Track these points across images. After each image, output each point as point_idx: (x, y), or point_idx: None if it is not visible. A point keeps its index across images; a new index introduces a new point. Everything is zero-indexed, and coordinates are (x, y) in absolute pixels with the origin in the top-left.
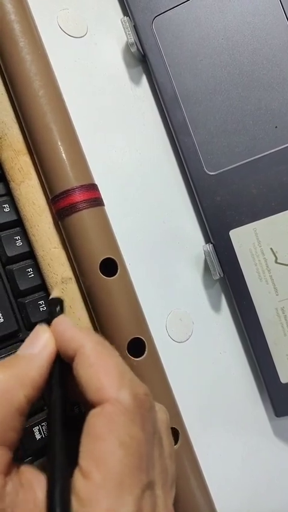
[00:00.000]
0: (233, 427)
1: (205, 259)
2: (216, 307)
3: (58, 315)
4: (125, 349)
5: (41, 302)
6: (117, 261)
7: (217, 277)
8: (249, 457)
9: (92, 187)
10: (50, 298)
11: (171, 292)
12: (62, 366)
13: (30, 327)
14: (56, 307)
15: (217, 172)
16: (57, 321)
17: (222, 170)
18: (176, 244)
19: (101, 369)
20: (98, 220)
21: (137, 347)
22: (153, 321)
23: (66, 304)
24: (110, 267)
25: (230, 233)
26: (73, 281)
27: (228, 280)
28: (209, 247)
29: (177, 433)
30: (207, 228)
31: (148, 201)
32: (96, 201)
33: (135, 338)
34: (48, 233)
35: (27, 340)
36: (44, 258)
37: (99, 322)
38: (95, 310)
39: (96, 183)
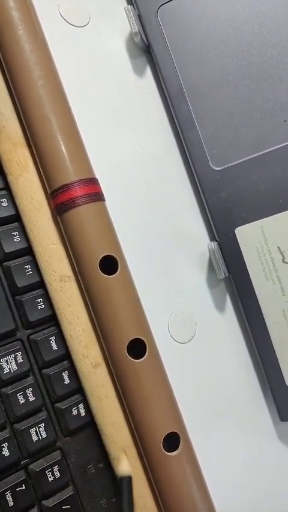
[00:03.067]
0: (236, 431)
1: (209, 257)
2: (220, 308)
3: (127, 496)
4: (124, 350)
5: (39, 300)
6: (117, 259)
7: (222, 276)
8: (252, 461)
9: (93, 181)
10: (119, 477)
11: (173, 292)
12: None
13: (27, 326)
14: (125, 488)
15: (223, 167)
16: None
17: (228, 165)
18: (179, 242)
19: None
20: (98, 216)
21: (138, 348)
22: (154, 321)
23: (64, 303)
24: (110, 264)
25: (235, 231)
26: (72, 279)
27: (234, 279)
28: (214, 245)
29: (177, 437)
30: (212, 226)
31: (151, 198)
32: (97, 196)
33: (135, 339)
34: (46, 229)
35: None
36: (42, 254)
37: (99, 321)
38: (94, 309)
39: (96, 177)
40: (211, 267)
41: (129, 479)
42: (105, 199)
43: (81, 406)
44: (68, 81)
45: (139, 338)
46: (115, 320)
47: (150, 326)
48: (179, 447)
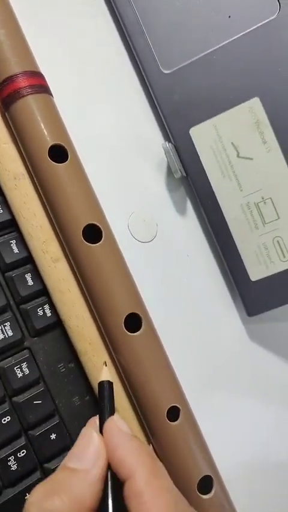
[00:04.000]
0: (205, 332)
1: (167, 162)
2: (181, 210)
3: (108, 401)
4: (80, 236)
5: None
6: (66, 148)
7: (178, 175)
8: (222, 360)
9: (37, 74)
10: (99, 381)
11: (133, 195)
12: (115, 479)
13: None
14: (106, 392)
15: (173, 70)
16: (109, 428)
17: (177, 67)
18: (136, 147)
19: (152, 508)
20: (45, 108)
21: (93, 235)
22: (114, 222)
23: (20, 200)
24: (60, 154)
25: (190, 132)
26: (26, 177)
27: (192, 180)
28: (168, 144)
29: (140, 318)
30: (167, 129)
31: (105, 105)
32: (42, 88)
33: (90, 224)
34: None
35: (76, 448)
36: None
37: (55, 213)
38: (48, 200)
39: (42, 73)
40: (170, 171)
41: (110, 383)
42: (53, 95)
43: (46, 307)
44: None
45: (94, 224)
46: (68, 208)
47: (106, 218)
48: (141, 328)
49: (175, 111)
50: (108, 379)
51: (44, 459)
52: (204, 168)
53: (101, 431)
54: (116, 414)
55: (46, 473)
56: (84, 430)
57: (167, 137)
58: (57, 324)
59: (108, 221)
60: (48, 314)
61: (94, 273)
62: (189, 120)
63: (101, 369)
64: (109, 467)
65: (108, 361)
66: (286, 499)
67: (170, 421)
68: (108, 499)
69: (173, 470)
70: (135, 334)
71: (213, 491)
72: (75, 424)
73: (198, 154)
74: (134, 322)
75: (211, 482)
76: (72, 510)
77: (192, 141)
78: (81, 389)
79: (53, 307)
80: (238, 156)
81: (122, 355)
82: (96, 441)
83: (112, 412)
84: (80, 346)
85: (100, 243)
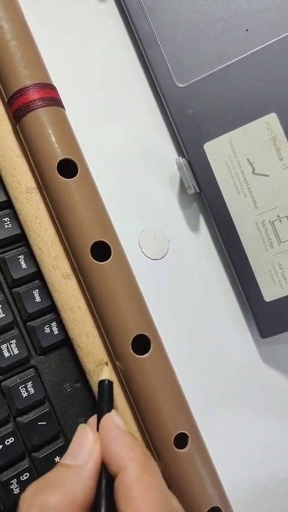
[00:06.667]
0: (216, 352)
1: (180, 177)
2: (193, 226)
3: (107, 400)
4: (88, 253)
5: (5, 219)
6: (77, 163)
7: (192, 191)
8: (234, 382)
9: (49, 86)
10: (100, 380)
11: (144, 210)
12: (109, 475)
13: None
14: (105, 392)
15: (188, 83)
16: (105, 423)
17: (192, 81)
18: (148, 162)
19: (140, 505)
20: (56, 120)
21: (103, 252)
22: (125, 238)
23: (31, 214)
24: (71, 168)
25: (204, 147)
26: (37, 190)
27: (205, 196)
28: (182, 160)
29: (148, 341)
30: (181, 143)
31: (118, 118)
32: (53, 101)
33: (99, 241)
34: (9, 142)
35: (71, 445)
36: (6, 168)
37: (64, 229)
38: (58, 215)
39: (54, 85)
40: (182, 186)
41: (109, 382)
42: (65, 108)
43: (54, 324)
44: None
45: (103, 241)
46: (79, 224)
47: (117, 234)
48: (150, 350)
49: (189, 125)
50: (108, 378)
51: None
52: (218, 184)
53: (98, 429)
54: (113, 411)
55: None
56: (79, 427)
57: (180, 152)
58: (65, 342)
59: (118, 237)
60: (56, 332)
61: (102, 292)
62: (204, 135)
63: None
64: (103, 463)
65: (116, 382)
66: None
67: (178, 448)
68: (101, 495)
69: (180, 498)
70: (143, 356)
71: (110, 258)
72: None
73: (212, 170)
74: (143, 343)
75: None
76: (64, 506)
77: (206, 157)
78: (87, 410)
79: (60, 325)
80: (254, 172)
81: (130, 379)
82: (90, 437)
83: (110, 410)
84: (89, 365)
85: (109, 260)
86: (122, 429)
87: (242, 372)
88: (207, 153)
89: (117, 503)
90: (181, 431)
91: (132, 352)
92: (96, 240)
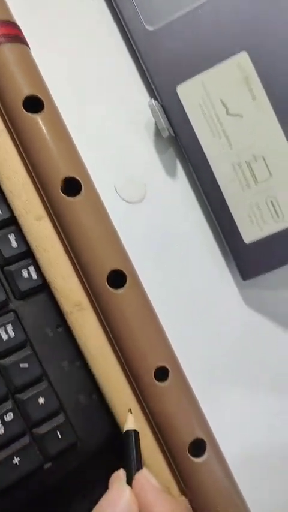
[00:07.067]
0: (198, 296)
1: (155, 123)
2: (170, 171)
3: (135, 452)
4: (59, 190)
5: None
6: (42, 99)
7: (166, 134)
8: (216, 326)
9: (13, 24)
10: (125, 430)
11: (119, 155)
12: None
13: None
14: (132, 442)
15: (157, 26)
16: (140, 481)
17: (162, 24)
18: (122, 109)
19: None
20: (21, 57)
21: (73, 186)
22: (100, 183)
23: (1, 157)
24: (36, 104)
25: (177, 89)
26: (6, 132)
27: (180, 139)
28: (154, 102)
29: (124, 275)
30: (153, 88)
31: (87, 64)
32: (18, 38)
33: (69, 177)
34: None
35: (105, 501)
36: None
37: (34, 167)
38: (28, 156)
39: (18, 25)
40: (158, 132)
41: (136, 433)
42: (30, 48)
43: (32, 269)
44: None
45: (73, 177)
46: (46, 159)
47: (91, 177)
48: (125, 284)
49: (161, 68)
50: (135, 428)
51: (33, 424)
52: (193, 126)
53: (128, 483)
54: (144, 468)
55: (35, 438)
56: (113, 483)
57: (153, 97)
58: (44, 287)
59: (90, 174)
60: (34, 277)
61: (74, 227)
62: (176, 77)
63: (126, 415)
64: None
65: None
66: None
67: (159, 381)
68: None
69: (163, 433)
70: (119, 290)
71: (205, 455)
72: (65, 389)
73: (186, 113)
74: (119, 279)
75: (204, 445)
76: None
77: (179, 100)
78: (70, 354)
79: (39, 270)
80: (227, 113)
81: (108, 314)
82: (127, 493)
83: (139, 463)
84: (67, 307)
85: (79, 196)
86: (159, 490)
87: (225, 316)
88: (180, 96)
89: None
90: (161, 365)
91: (108, 286)
92: (66, 176)
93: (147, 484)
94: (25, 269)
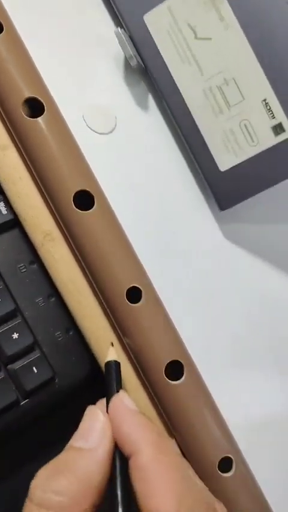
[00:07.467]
0: (176, 232)
1: (125, 57)
2: (142, 102)
3: (115, 381)
4: (21, 112)
5: None
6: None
7: (134, 62)
8: (196, 263)
9: None
10: (106, 361)
11: (88, 87)
12: (123, 457)
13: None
14: (113, 373)
15: None
16: (114, 404)
17: None
18: (90, 41)
19: (157, 488)
20: None
21: (37, 108)
22: (68, 112)
23: None
24: None
25: (144, 18)
26: None
27: (149, 69)
28: (120, 30)
29: (91, 197)
30: (120, 18)
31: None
32: None
33: (30, 97)
34: None
35: (81, 428)
36: None
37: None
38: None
39: None
40: (127, 64)
41: (117, 363)
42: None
43: (1, 204)
44: None
45: (35, 97)
46: (9, 79)
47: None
48: (94, 206)
49: None
50: (115, 359)
51: (8, 359)
52: (162, 55)
53: (108, 410)
54: (122, 391)
55: (10, 373)
56: (88, 409)
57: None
58: (16, 224)
59: (53, 98)
60: (4, 212)
61: (39, 150)
62: (142, 5)
63: (107, 348)
64: (116, 445)
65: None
66: None
67: (131, 302)
68: (116, 478)
69: (139, 355)
70: (87, 212)
71: (183, 378)
72: (40, 325)
73: (154, 42)
74: (86, 202)
75: (181, 369)
76: (80, 490)
77: (147, 28)
78: (45, 290)
79: (8, 205)
80: (196, 37)
81: (74, 235)
82: (101, 419)
83: (119, 391)
84: (37, 239)
85: (42, 116)
86: (133, 409)
87: (204, 252)
88: (147, 25)
89: (133, 486)
90: (133, 285)
91: (75, 207)
92: (28, 96)
93: (121, 405)
94: None
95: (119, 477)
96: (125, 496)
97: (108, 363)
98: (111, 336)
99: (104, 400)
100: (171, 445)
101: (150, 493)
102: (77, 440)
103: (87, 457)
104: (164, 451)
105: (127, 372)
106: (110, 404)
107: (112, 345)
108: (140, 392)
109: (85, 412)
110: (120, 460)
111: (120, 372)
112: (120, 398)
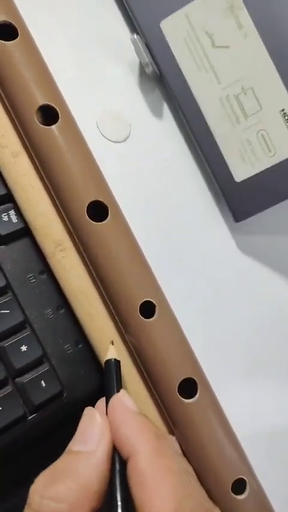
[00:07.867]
0: (188, 241)
1: (140, 63)
2: (156, 111)
3: (115, 380)
4: (34, 119)
5: None
6: (15, 25)
7: (150, 69)
8: (208, 271)
9: None
10: (106, 359)
11: (103, 94)
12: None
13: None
14: (113, 371)
15: None
16: (113, 405)
17: None
18: (105, 47)
19: (154, 493)
20: None
21: (50, 115)
22: (81, 120)
23: None
24: (10, 33)
25: (160, 25)
26: None
27: (165, 77)
28: (136, 36)
29: (105, 207)
30: (136, 25)
31: (67, 2)
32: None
33: (45, 104)
34: None
35: (79, 431)
36: None
37: (4, 91)
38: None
39: None
40: (143, 71)
41: (116, 362)
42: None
43: (12, 212)
44: None
45: (49, 104)
46: (22, 86)
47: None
48: (108, 217)
49: (143, 4)
50: (115, 357)
51: (16, 373)
52: (178, 62)
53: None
54: (122, 390)
55: (18, 387)
56: (86, 411)
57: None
58: (27, 233)
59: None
60: (14, 220)
61: (52, 159)
62: (159, 12)
63: (108, 346)
64: (115, 448)
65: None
66: None
67: (144, 317)
68: (115, 481)
69: (153, 369)
70: (101, 223)
71: (197, 396)
72: (49, 337)
73: (171, 49)
74: (100, 213)
75: (195, 386)
76: (78, 495)
77: (163, 35)
78: (55, 301)
79: (19, 213)
80: (213, 45)
81: (87, 247)
82: (98, 421)
83: (119, 391)
84: (48, 248)
85: (57, 124)
86: (132, 410)
87: (217, 262)
88: (164, 32)
89: (131, 489)
90: (147, 299)
91: (88, 218)
92: (42, 103)
93: (120, 406)
94: (5, 213)
95: (118, 480)
96: (125, 500)
97: (108, 361)
98: (122, 350)
99: (103, 400)
100: (171, 446)
101: (147, 498)
102: (74, 444)
103: (85, 461)
104: (163, 453)
105: (128, 372)
106: (109, 404)
107: (112, 343)
108: (141, 389)
109: (83, 413)
110: (119, 462)
111: (120, 370)
112: (119, 399)
